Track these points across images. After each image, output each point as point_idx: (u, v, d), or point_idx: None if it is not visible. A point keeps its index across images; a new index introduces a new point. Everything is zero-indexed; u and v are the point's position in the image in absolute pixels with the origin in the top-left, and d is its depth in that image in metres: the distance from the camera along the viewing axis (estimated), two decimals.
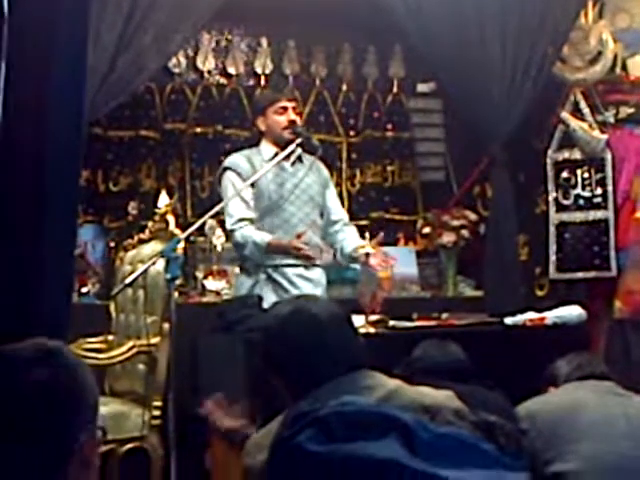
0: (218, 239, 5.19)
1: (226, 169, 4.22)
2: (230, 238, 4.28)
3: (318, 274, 4.22)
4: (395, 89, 6.24)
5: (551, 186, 5.33)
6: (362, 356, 2.26)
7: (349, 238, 4.31)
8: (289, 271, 4.13)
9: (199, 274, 5.22)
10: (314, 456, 1.10)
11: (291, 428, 1.16)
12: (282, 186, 4.16)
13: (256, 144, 4.33)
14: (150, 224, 4.58)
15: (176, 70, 5.78)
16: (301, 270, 4.15)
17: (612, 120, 5.30)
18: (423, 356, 2.96)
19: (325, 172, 4.41)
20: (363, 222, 5.87)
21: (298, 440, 1.13)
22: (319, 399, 1.26)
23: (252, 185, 4.06)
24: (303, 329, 2.25)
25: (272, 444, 1.21)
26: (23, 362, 1.57)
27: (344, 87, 6.16)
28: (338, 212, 4.40)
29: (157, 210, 4.55)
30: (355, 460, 1.08)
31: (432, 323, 3.91)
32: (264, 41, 5.99)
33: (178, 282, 3.69)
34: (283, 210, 4.14)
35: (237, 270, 4.47)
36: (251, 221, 4.10)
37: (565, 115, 5.27)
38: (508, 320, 3.87)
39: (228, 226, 4.15)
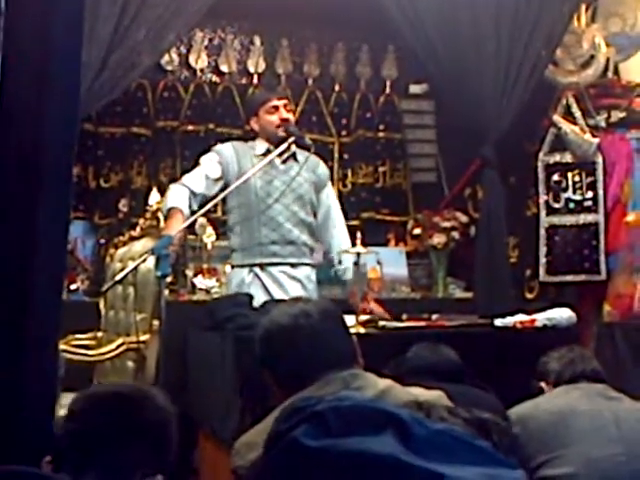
0: (208, 237, 5.18)
1: (210, 151, 4.23)
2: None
3: (306, 273, 4.20)
4: (388, 90, 6.24)
5: (542, 189, 5.33)
6: (355, 356, 2.27)
7: (335, 241, 4.29)
8: (275, 270, 4.11)
9: (189, 272, 5.21)
10: (310, 451, 1.10)
11: (287, 422, 1.16)
12: (270, 183, 4.14)
13: (252, 140, 4.32)
14: (141, 221, 4.57)
15: (169, 67, 5.78)
16: (287, 268, 4.13)
17: (603, 124, 5.31)
18: (414, 356, 2.97)
19: (323, 171, 4.36)
20: (354, 222, 5.86)
21: (294, 435, 1.13)
22: (311, 397, 1.25)
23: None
24: (295, 328, 2.24)
25: (267, 438, 1.20)
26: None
27: (337, 87, 6.16)
28: (330, 213, 4.37)
29: (148, 207, 4.54)
30: (352, 455, 1.08)
31: (422, 324, 3.91)
32: (257, 40, 5.99)
33: (168, 280, 3.68)
34: (270, 207, 4.12)
35: (228, 268, 4.47)
36: (193, 193, 4.02)
37: (557, 118, 5.28)
38: (498, 322, 3.87)
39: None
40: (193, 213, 3.94)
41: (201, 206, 3.92)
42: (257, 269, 4.11)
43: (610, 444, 2.76)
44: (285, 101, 4.22)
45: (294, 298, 2.67)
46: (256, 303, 3.89)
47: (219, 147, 4.24)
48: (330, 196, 4.39)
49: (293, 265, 4.15)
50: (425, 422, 1.14)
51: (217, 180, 4.09)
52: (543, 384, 3.10)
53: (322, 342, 2.23)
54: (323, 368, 2.16)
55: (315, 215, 4.29)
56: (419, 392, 2.17)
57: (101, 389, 1.89)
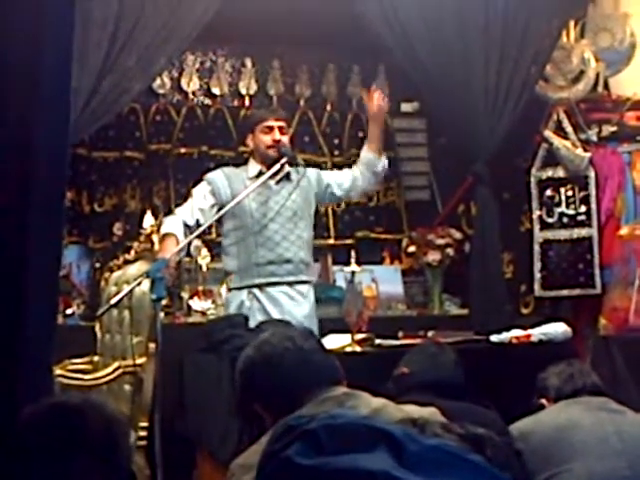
0: (203, 259, 5.18)
1: (202, 180, 4.25)
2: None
3: (304, 291, 4.21)
4: None
5: (535, 204, 5.35)
6: (341, 374, 2.28)
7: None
8: (273, 290, 4.12)
9: (185, 294, 5.20)
10: (303, 469, 1.10)
11: (280, 441, 1.16)
12: (265, 204, 4.15)
13: (244, 163, 4.33)
14: (135, 245, 4.57)
15: (161, 91, 5.80)
16: (286, 288, 4.14)
17: (595, 138, 5.32)
18: (416, 373, 2.95)
19: (313, 175, 4.33)
20: (348, 241, 5.89)
21: (287, 454, 1.13)
22: (303, 416, 1.26)
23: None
24: (282, 352, 2.25)
25: (261, 458, 1.20)
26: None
27: (328, 107, 6.19)
28: (341, 175, 4.43)
29: (142, 231, 4.54)
30: (345, 472, 1.08)
31: (418, 341, 3.90)
32: (248, 62, 6.02)
33: (164, 302, 3.68)
34: (266, 228, 4.13)
35: (223, 290, 4.47)
36: (186, 225, 4.03)
37: (548, 133, 5.29)
38: (494, 337, 3.88)
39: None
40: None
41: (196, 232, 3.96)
42: (256, 290, 4.11)
43: (613, 457, 2.74)
44: (281, 123, 4.22)
45: (272, 322, 2.66)
46: (254, 323, 3.89)
47: (209, 175, 4.25)
48: (328, 173, 4.48)
49: (291, 284, 4.15)
50: (418, 438, 1.14)
51: (212, 207, 4.10)
52: (544, 400, 3.08)
53: (311, 362, 2.24)
54: (314, 388, 2.17)
55: (313, 228, 4.30)
56: (412, 410, 2.16)
57: (47, 401, 1.83)
